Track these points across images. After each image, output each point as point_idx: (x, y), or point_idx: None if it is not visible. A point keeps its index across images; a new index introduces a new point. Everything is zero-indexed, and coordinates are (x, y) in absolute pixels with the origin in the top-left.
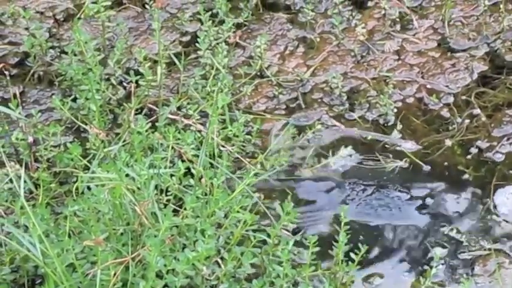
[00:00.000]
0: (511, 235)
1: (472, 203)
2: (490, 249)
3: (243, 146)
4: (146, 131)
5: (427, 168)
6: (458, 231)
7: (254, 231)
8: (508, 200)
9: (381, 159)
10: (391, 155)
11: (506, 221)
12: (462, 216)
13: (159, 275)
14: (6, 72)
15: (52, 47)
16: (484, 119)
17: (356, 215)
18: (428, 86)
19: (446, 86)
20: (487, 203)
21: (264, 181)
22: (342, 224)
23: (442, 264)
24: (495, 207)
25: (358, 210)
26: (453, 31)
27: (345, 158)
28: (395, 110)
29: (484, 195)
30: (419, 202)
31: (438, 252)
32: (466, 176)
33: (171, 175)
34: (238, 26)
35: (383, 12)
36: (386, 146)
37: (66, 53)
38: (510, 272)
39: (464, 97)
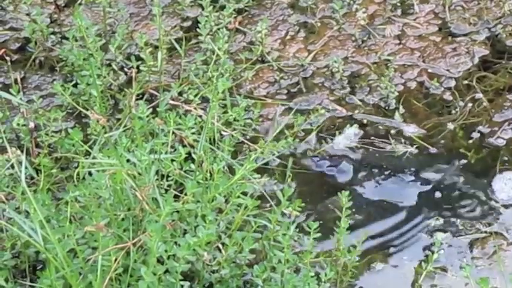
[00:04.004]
0: (509, 219)
1: (472, 189)
2: (486, 232)
3: (244, 131)
4: (147, 116)
5: (427, 151)
6: (458, 216)
7: (255, 216)
8: (506, 186)
9: (393, 144)
10: (393, 140)
11: (505, 206)
12: (462, 201)
13: (160, 261)
14: (7, 58)
15: (53, 33)
16: (485, 103)
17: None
18: (430, 70)
19: (447, 70)
20: (486, 189)
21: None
22: (344, 209)
23: (442, 249)
24: (493, 193)
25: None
26: (454, 16)
27: (349, 138)
28: (396, 93)
29: (484, 180)
30: (417, 187)
31: (439, 237)
32: (467, 161)
33: (172, 160)
34: (239, 11)
35: None
36: (381, 128)
37: (67, 39)
38: (509, 253)
39: (465, 81)
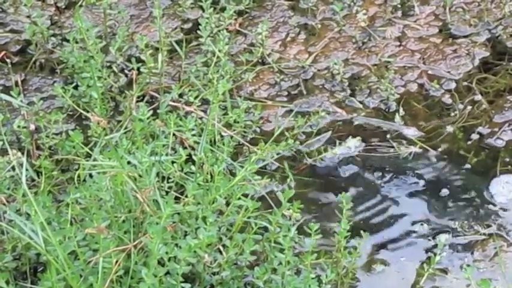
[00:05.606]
0: (509, 222)
1: (471, 191)
2: (485, 234)
3: (244, 132)
4: (148, 118)
5: (427, 153)
6: (457, 219)
7: (256, 217)
8: (503, 189)
9: (396, 147)
10: (395, 143)
11: (503, 209)
12: (461, 203)
13: (160, 263)
14: (8, 60)
15: (54, 35)
16: (485, 105)
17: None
18: (430, 72)
19: (448, 72)
20: (484, 192)
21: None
22: (344, 211)
23: (444, 251)
24: (492, 196)
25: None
26: (454, 17)
27: (349, 149)
28: (396, 96)
29: (483, 183)
30: (417, 189)
31: (442, 238)
32: (466, 163)
33: (173, 162)
34: (239, 13)
35: None
36: (384, 130)
37: (67, 41)
38: (510, 255)
39: (465, 83)
